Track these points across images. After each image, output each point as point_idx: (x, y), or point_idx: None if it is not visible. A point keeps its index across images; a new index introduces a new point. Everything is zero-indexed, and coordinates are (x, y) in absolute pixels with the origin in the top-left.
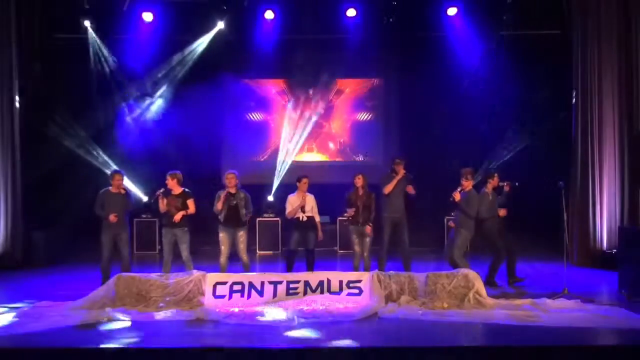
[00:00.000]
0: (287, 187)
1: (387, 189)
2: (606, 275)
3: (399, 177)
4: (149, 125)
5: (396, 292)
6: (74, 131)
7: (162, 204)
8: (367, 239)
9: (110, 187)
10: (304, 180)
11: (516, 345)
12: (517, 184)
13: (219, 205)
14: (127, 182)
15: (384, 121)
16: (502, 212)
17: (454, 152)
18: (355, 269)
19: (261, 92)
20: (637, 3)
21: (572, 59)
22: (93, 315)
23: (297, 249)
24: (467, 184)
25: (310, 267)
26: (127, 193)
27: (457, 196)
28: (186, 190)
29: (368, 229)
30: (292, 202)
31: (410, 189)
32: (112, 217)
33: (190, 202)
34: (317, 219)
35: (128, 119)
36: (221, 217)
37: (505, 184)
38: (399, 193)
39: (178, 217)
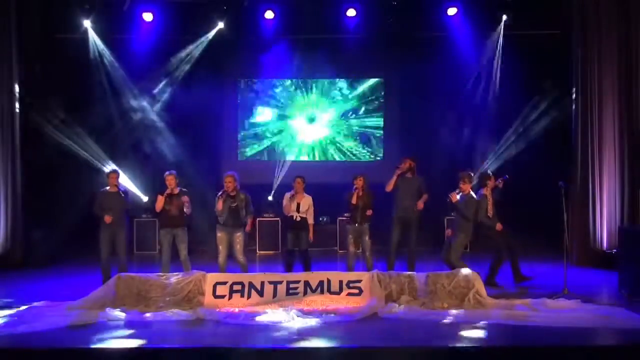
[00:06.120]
0: (287, 187)
1: (388, 186)
2: (606, 275)
3: (397, 172)
4: (148, 125)
5: (396, 292)
6: (74, 131)
7: (160, 203)
8: (367, 238)
9: (107, 187)
10: (298, 180)
11: (516, 346)
12: (506, 176)
13: (219, 206)
14: (127, 182)
15: (384, 121)
16: (499, 227)
17: (453, 151)
18: (349, 269)
19: (261, 92)
20: (637, 3)
21: (572, 59)
22: (93, 316)
23: (294, 248)
24: (465, 187)
25: (307, 268)
26: (124, 192)
27: (454, 197)
28: (183, 189)
29: (369, 212)
30: (287, 199)
31: (420, 204)
32: (107, 218)
33: (187, 200)
34: (310, 221)
35: (128, 118)
36: (221, 219)
37: (498, 181)
38: (408, 193)
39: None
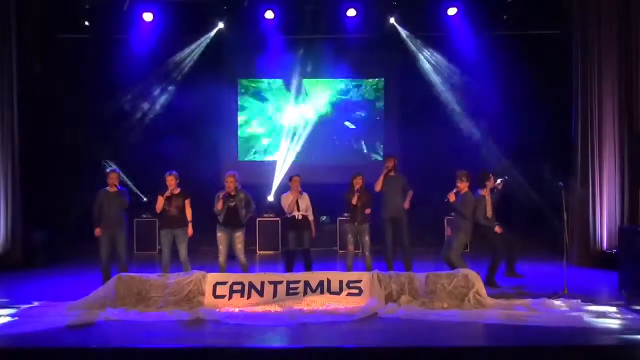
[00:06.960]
0: (288, 187)
1: (377, 187)
2: (606, 275)
3: (384, 172)
4: (149, 125)
5: (396, 292)
6: (75, 131)
7: (160, 204)
8: (366, 238)
9: (107, 187)
10: (295, 178)
11: (516, 346)
12: (506, 177)
13: (219, 206)
14: (127, 182)
15: (384, 121)
16: (498, 229)
17: (453, 151)
18: (349, 269)
19: (261, 92)
20: (637, 3)
21: (572, 59)
22: (93, 316)
23: (295, 248)
24: (463, 186)
25: (308, 267)
26: (124, 192)
27: (451, 197)
28: (183, 190)
29: (368, 210)
30: (287, 199)
31: (407, 204)
32: (97, 231)
33: (187, 202)
34: (311, 217)
35: (128, 118)
36: (220, 218)
37: (498, 182)
38: (394, 192)
39: (190, 231)
